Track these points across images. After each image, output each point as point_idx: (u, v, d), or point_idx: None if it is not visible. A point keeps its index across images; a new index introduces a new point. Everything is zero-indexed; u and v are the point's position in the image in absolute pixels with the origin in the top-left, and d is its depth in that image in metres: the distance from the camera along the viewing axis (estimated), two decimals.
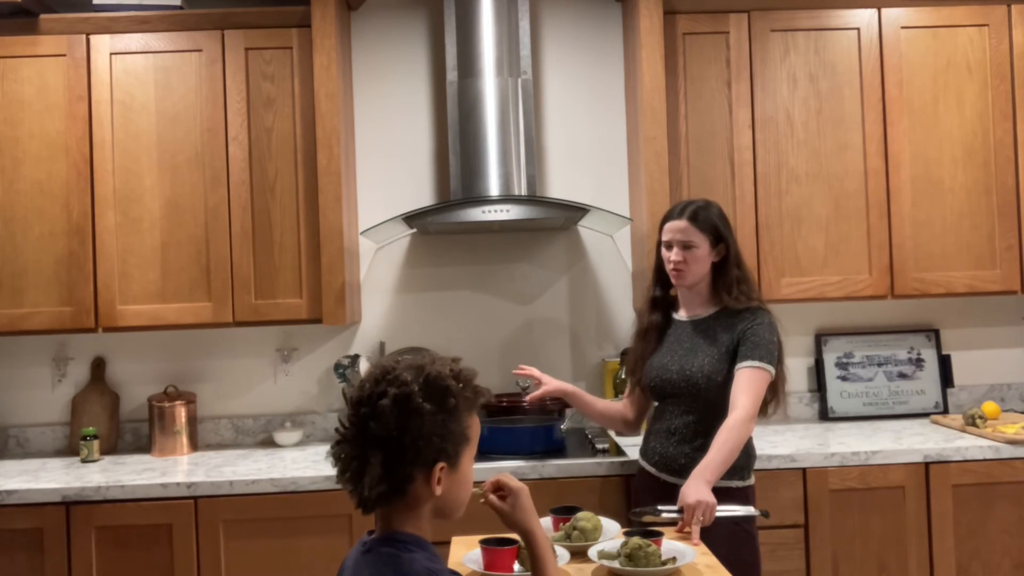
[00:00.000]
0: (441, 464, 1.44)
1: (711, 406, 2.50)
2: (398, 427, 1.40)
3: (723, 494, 2.35)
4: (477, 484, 1.62)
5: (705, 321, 2.57)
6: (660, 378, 2.58)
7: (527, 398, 2.85)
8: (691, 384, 2.51)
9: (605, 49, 3.61)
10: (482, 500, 1.64)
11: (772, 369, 2.45)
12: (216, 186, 3.22)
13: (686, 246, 2.52)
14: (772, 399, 2.52)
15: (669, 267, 2.56)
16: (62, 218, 3.19)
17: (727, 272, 2.55)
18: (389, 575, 1.42)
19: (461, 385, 1.47)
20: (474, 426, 1.51)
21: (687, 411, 2.54)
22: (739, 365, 2.45)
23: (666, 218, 2.60)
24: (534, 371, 2.80)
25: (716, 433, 2.41)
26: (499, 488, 1.64)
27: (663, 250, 2.59)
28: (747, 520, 2.43)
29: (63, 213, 3.19)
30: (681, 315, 2.64)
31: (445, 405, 1.44)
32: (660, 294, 2.67)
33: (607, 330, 3.58)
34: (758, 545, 2.51)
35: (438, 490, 1.45)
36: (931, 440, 3.08)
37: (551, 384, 2.76)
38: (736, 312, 2.52)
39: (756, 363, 2.44)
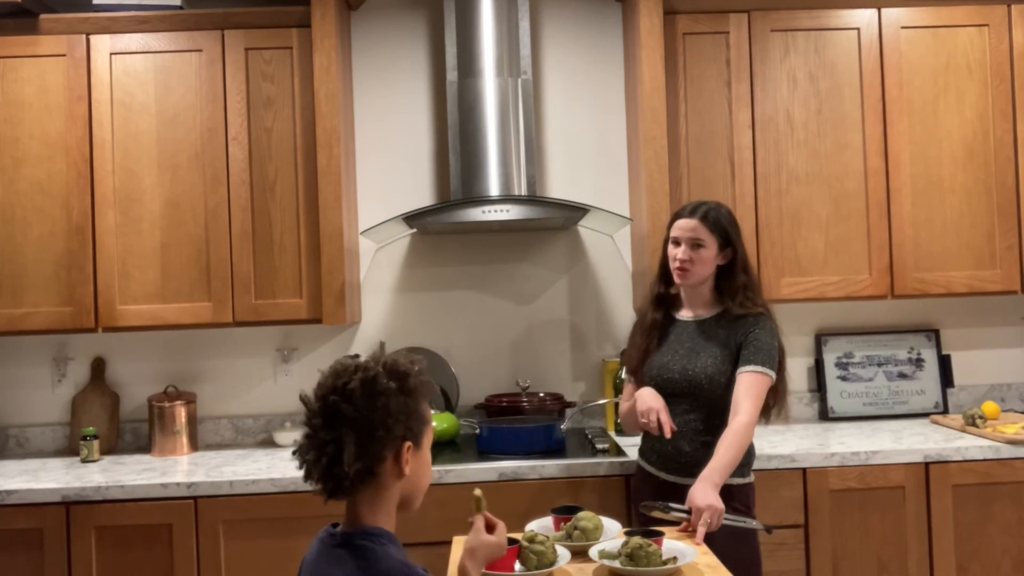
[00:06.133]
0: (408, 443, 1.54)
1: (713, 406, 2.51)
2: (367, 406, 1.49)
3: (723, 492, 2.35)
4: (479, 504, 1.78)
5: (707, 322, 2.58)
6: (662, 377, 2.57)
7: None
8: (693, 385, 2.52)
9: (605, 49, 3.61)
10: (475, 495, 1.79)
11: (773, 374, 2.47)
12: (216, 186, 3.22)
13: (695, 245, 2.54)
14: (774, 404, 2.52)
15: (674, 264, 2.57)
16: (62, 218, 3.19)
17: (734, 277, 2.55)
18: (365, 569, 1.48)
19: (417, 369, 1.59)
20: (429, 412, 1.62)
21: (688, 410, 2.54)
22: (741, 369, 2.47)
23: (677, 215, 2.62)
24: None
25: (718, 434, 2.43)
26: (488, 522, 1.77)
27: (670, 247, 2.60)
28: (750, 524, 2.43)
29: (63, 213, 3.19)
30: (683, 315, 2.64)
31: (406, 386, 1.54)
32: (663, 291, 2.66)
33: (607, 330, 3.57)
34: (758, 543, 2.52)
35: (407, 470, 1.54)
36: (931, 440, 3.08)
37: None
38: (739, 316, 2.53)
39: (758, 368, 2.45)
